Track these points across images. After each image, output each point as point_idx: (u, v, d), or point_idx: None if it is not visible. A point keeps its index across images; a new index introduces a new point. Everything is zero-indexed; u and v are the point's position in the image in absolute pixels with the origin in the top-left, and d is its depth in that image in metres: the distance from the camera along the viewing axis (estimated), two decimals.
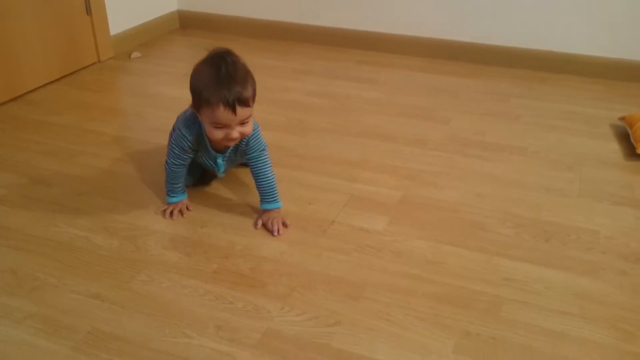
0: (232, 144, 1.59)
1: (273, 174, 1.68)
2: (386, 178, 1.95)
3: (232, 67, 1.47)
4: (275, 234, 1.63)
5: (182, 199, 1.76)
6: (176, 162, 1.67)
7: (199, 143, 1.63)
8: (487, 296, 1.42)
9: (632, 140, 2.11)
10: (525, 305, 1.39)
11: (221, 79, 1.44)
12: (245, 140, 1.61)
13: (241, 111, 1.47)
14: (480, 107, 2.48)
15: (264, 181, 1.67)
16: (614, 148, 2.14)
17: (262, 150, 1.66)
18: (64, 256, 1.56)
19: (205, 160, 1.72)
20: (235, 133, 1.50)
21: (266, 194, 1.69)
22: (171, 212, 1.72)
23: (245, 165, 1.84)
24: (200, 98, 1.48)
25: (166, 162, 1.70)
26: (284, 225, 1.67)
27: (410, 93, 2.64)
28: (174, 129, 1.76)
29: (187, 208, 1.75)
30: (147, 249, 1.59)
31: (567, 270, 1.51)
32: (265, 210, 1.69)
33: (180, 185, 1.74)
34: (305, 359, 1.24)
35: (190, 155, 1.67)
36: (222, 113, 1.45)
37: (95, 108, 2.47)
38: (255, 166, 1.67)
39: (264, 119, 2.36)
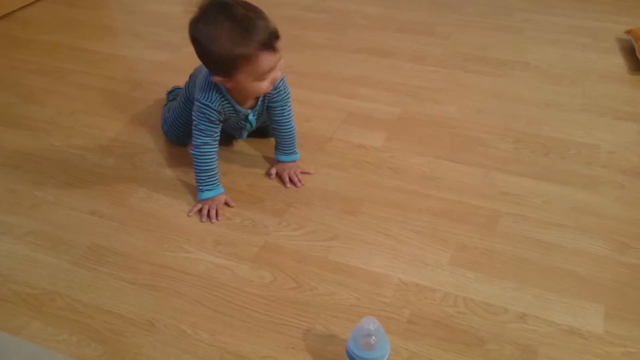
0: (269, 90, 1.35)
1: (294, 125, 1.52)
2: (385, 94, 1.91)
3: (242, 7, 1.23)
4: (288, 185, 1.49)
5: (219, 193, 1.45)
6: (206, 141, 1.40)
7: (224, 107, 1.40)
8: (485, 210, 1.42)
9: (637, 54, 2.05)
10: (522, 218, 1.40)
11: (244, 26, 1.21)
12: (274, 86, 1.41)
13: (278, 47, 1.28)
14: (483, 21, 2.40)
15: (286, 131, 1.50)
16: (619, 62, 2.09)
17: (288, 96, 1.48)
18: (61, 174, 1.55)
19: (233, 124, 1.51)
20: (278, 73, 1.31)
21: (285, 144, 1.53)
22: (208, 214, 1.41)
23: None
24: (233, 61, 1.24)
25: (192, 146, 1.41)
26: (305, 173, 1.54)
27: (411, 8, 2.55)
28: (183, 102, 1.57)
29: (228, 204, 1.45)
30: (143, 167, 1.58)
31: (566, 184, 1.50)
32: (282, 164, 1.54)
33: (214, 174, 1.44)
34: (303, 271, 1.26)
35: (219, 128, 1.42)
36: (266, 59, 1.25)
37: (86, 26, 2.40)
38: (280, 114, 1.48)
39: None
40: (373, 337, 0.97)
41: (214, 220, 1.39)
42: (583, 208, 1.42)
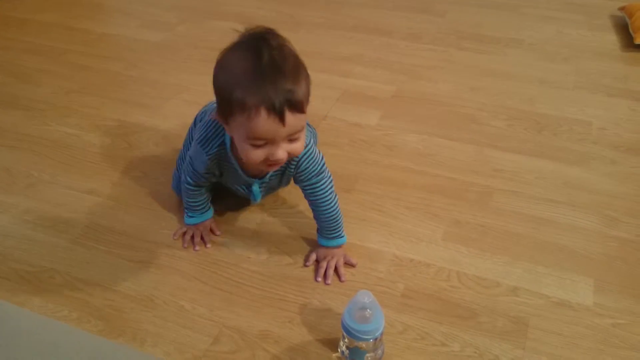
0: (274, 169, 1.13)
1: (337, 203, 1.21)
2: (380, 73, 1.92)
3: (278, 53, 0.96)
4: (329, 282, 1.20)
5: (205, 219, 1.30)
6: (191, 184, 1.23)
7: (221, 164, 1.17)
8: (478, 187, 1.44)
9: (630, 30, 2.06)
10: (515, 194, 1.41)
11: (263, 71, 0.94)
12: (295, 160, 1.15)
13: (292, 119, 0.97)
14: None
15: (326, 213, 1.21)
16: (612, 39, 2.10)
17: (320, 172, 1.19)
18: (57, 154, 1.56)
19: (234, 187, 1.28)
20: (281, 152, 1.00)
21: (327, 228, 1.23)
22: (192, 239, 1.28)
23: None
24: (230, 100, 0.97)
25: (182, 177, 1.26)
26: (348, 264, 1.24)
27: None
28: (190, 137, 1.33)
29: (213, 232, 1.31)
30: (139, 146, 1.59)
31: (558, 160, 1.52)
32: (324, 249, 1.25)
33: (200, 204, 1.28)
34: (299, 247, 1.28)
35: (209, 180, 1.23)
36: (265, 122, 0.95)
37: (80, 5, 2.39)
38: (311, 194, 1.21)
39: (253, 15, 2.30)
40: (368, 310, 0.99)
41: (197, 248, 1.27)
42: (574, 183, 1.44)
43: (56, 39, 2.12)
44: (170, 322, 1.12)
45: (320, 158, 1.19)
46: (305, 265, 1.24)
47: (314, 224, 1.30)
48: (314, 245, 1.27)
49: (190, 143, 1.27)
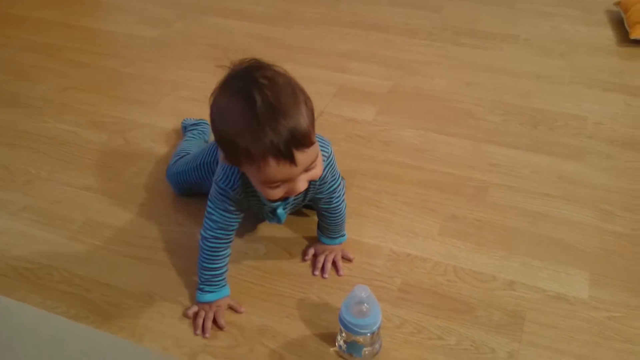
0: (289, 195, 1.02)
1: (345, 208, 1.21)
2: (376, 68, 1.92)
3: (270, 91, 0.89)
4: (326, 275, 1.20)
5: (223, 295, 1.15)
6: (218, 235, 1.11)
7: (247, 194, 1.08)
8: (474, 181, 1.45)
9: (626, 25, 2.07)
10: (511, 189, 1.42)
11: (260, 116, 0.88)
12: (317, 180, 1.06)
13: (303, 156, 0.92)
14: None
15: (334, 219, 1.21)
16: (608, 34, 2.10)
17: (337, 185, 1.16)
18: (54, 151, 1.56)
19: (259, 215, 1.21)
20: (302, 185, 0.96)
21: (333, 230, 1.24)
22: (203, 322, 1.11)
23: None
24: (235, 151, 0.93)
25: (201, 237, 1.13)
26: (346, 259, 1.24)
27: None
28: (201, 166, 1.28)
29: (235, 309, 1.14)
30: (136, 143, 1.59)
31: (554, 155, 1.53)
32: (323, 245, 1.25)
33: (221, 273, 1.14)
34: (296, 243, 1.28)
35: (238, 220, 1.13)
36: (275, 169, 0.91)
37: (77, 2, 2.39)
38: (327, 203, 1.18)
39: (250, 11, 2.31)
40: (365, 305, 0.99)
41: (207, 334, 1.09)
42: (570, 178, 1.45)
43: (54, 36, 2.12)
44: (169, 317, 1.13)
45: (337, 170, 1.15)
46: (303, 260, 1.24)
47: (311, 220, 1.31)
48: (312, 241, 1.28)
49: (203, 159, 1.27)
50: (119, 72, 1.91)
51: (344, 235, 1.26)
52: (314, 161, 0.96)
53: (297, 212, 1.35)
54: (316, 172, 0.98)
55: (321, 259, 1.22)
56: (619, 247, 1.26)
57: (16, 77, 1.88)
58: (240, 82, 0.91)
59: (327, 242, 1.25)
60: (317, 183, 1.10)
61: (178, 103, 1.75)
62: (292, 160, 0.90)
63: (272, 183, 0.95)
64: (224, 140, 0.95)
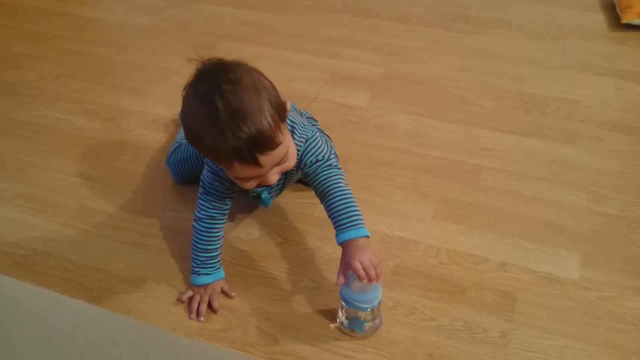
0: (262, 185, 1.05)
1: (349, 189, 1.11)
2: (369, 54, 1.92)
3: (232, 95, 0.91)
4: (373, 281, 1.00)
5: (218, 278, 1.15)
6: (212, 214, 1.13)
7: (229, 178, 1.08)
8: (467, 166, 1.45)
9: (617, 9, 2.07)
10: (503, 172, 1.43)
11: (221, 122, 0.90)
12: (292, 169, 1.07)
13: (267, 158, 0.95)
14: None
15: (338, 199, 1.08)
16: (599, 19, 2.11)
17: (325, 160, 1.12)
18: (47, 138, 1.56)
19: (245, 197, 1.26)
20: (273, 178, 1.00)
21: (344, 217, 1.06)
22: (198, 305, 1.11)
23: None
24: (202, 150, 0.99)
25: (195, 218, 1.14)
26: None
27: None
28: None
29: (227, 294, 1.15)
30: (129, 130, 1.59)
31: (546, 139, 1.53)
32: (347, 246, 1.04)
33: (215, 255, 1.15)
34: (289, 227, 1.29)
35: (230, 201, 1.15)
36: (241, 170, 0.96)
37: None
38: (320, 184, 1.11)
39: None
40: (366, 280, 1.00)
41: (202, 318, 1.10)
42: (562, 161, 1.46)
43: (44, 24, 2.11)
44: (163, 301, 1.13)
45: (322, 148, 1.12)
46: (337, 284, 1.03)
47: (305, 204, 1.32)
48: (306, 224, 1.28)
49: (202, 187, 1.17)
50: (110, 60, 1.90)
51: (364, 228, 1.06)
52: (282, 158, 0.99)
53: (290, 196, 1.35)
54: (288, 164, 1.01)
55: (357, 265, 0.99)
56: (610, 229, 1.27)
57: (7, 65, 1.87)
58: (204, 87, 0.94)
59: (348, 235, 1.04)
60: (295, 169, 1.11)
61: (170, 90, 1.74)
62: (256, 163, 0.94)
63: (242, 179, 1.00)
64: (191, 139, 0.98)
